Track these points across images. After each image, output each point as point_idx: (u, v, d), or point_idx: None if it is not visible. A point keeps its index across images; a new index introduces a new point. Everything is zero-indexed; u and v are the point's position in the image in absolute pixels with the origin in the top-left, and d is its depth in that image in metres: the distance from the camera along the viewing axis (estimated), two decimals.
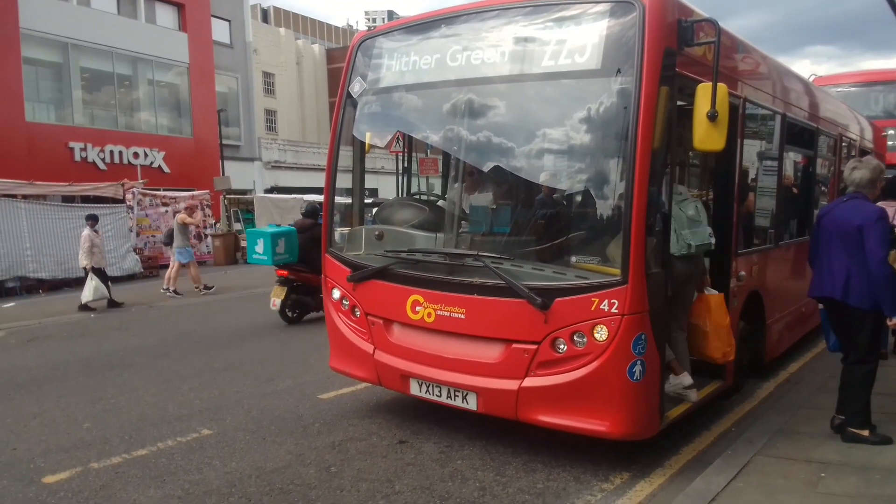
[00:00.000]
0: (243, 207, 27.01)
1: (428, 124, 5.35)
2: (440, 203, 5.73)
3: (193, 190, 22.39)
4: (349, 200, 5.91)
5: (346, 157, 5.61)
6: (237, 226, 25.50)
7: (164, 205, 20.48)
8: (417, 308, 4.82)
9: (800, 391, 6.14)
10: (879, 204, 5.92)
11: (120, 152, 23.62)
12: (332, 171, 5.59)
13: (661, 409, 4.50)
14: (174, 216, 13.22)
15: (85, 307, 12.10)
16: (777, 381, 6.64)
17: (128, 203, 18.65)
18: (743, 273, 5.74)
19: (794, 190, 7.82)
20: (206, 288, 14.37)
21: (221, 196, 24.12)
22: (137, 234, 18.94)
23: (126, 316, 11.75)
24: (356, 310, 5.30)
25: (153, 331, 10.17)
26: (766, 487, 4.04)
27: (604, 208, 4.43)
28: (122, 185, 18.91)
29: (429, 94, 5.14)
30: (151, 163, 24.51)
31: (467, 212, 5.25)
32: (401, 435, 5.23)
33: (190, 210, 14.95)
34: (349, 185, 5.80)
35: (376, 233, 5.49)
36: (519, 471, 4.55)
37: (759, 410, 5.70)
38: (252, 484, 4.45)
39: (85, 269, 12.14)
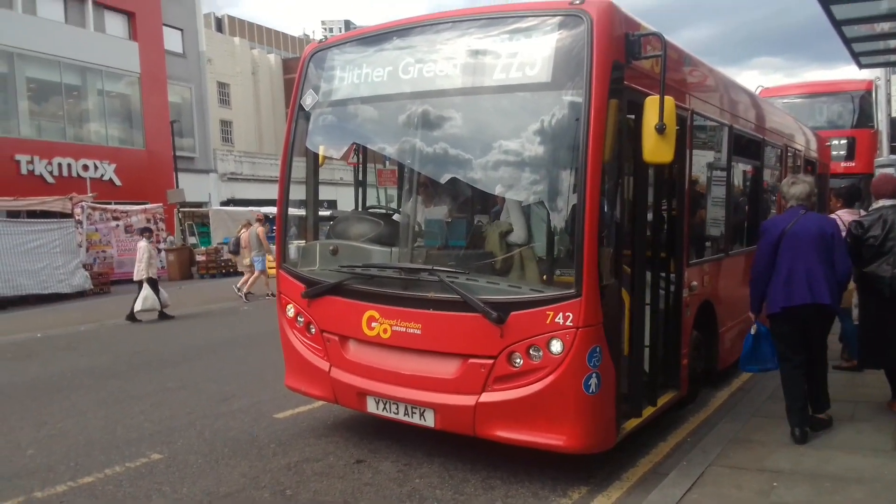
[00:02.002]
0: (198, 221, 26.56)
1: (381, 137, 5.32)
2: (395, 216, 5.70)
3: (146, 203, 21.92)
4: (303, 212, 5.84)
5: (299, 170, 5.54)
6: (192, 240, 25.04)
7: (115, 219, 19.99)
8: (373, 324, 4.76)
9: (752, 399, 6.25)
10: (841, 212, 6.14)
11: (69, 165, 23.00)
12: (284, 185, 5.51)
13: (618, 422, 4.51)
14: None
15: (134, 317, 12.43)
16: (730, 390, 6.77)
17: (76, 217, 18.13)
18: (695, 283, 5.81)
19: (743, 200, 7.98)
20: (271, 295, 14.43)
21: (175, 209, 23.65)
22: (87, 250, 18.39)
23: (74, 336, 11.37)
24: (311, 327, 5.22)
25: (104, 350, 9.87)
26: (721, 498, 4.09)
27: (557, 220, 4.44)
28: (70, 198, 18.40)
29: (382, 107, 5.11)
30: (102, 175, 23.91)
31: (422, 225, 5.23)
32: (358, 454, 5.16)
33: (260, 222, 15.40)
34: (303, 198, 5.73)
35: (331, 248, 5.40)
36: (477, 488, 4.52)
37: (713, 419, 5.78)
38: None
39: (141, 281, 12.50)
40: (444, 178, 4.82)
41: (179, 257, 21.20)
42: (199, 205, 28.35)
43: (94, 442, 5.67)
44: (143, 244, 12.79)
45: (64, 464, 5.18)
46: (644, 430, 5.20)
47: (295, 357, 5.40)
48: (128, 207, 20.95)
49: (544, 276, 4.44)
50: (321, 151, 5.48)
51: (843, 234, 5.39)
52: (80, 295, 16.57)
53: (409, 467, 4.88)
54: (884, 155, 15.43)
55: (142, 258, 12.53)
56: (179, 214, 24.12)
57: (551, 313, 4.13)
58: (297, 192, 5.62)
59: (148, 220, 20.76)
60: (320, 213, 6.02)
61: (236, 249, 16.52)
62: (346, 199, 7.44)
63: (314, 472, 4.86)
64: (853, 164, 14.74)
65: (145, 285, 12.48)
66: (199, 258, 22.04)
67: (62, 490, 4.69)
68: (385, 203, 6.61)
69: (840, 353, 7.30)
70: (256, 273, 15.26)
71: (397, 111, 4.93)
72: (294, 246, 5.82)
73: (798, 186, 5.11)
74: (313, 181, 5.65)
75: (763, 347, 5.28)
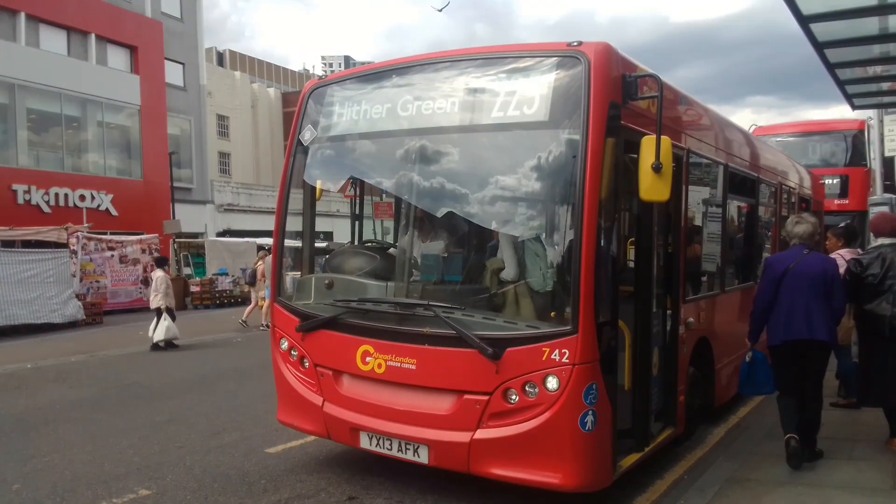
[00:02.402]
0: (194, 251, 26.50)
1: (378, 171, 5.34)
2: (392, 251, 5.69)
3: (142, 234, 21.90)
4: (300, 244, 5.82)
5: (296, 203, 5.54)
6: (187, 270, 24.98)
7: (111, 249, 19.95)
8: (368, 359, 4.71)
9: (749, 437, 6.20)
10: (842, 251, 6.16)
11: (66, 195, 23.02)
12: (281, 219, 5.52)
13: (615, 459, 4.46)
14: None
15: (157, 346, 12.62)
16: (727, 426, 6.71)
17: (71, 247, 18.08)
18: (691, 320, 5.79)
19: (738, 237, 8.02)
20: (265, 326, 14.63)
21: (171, 240, 23.63)
22: (80, 280, 18.31)
23: (65, 367, 11.25)
24: (305, 360, 5.17)
25: (93, 382, 9.75)
26: None
27: (554, 257, 4.44)
28: (66, 228, 18.36)
29: (380, 143, 5.15)
30: (98, 206, 23.94)
31: (418, 260, 5.22)
32: (350, 490, 5.07)
33: (262, 258, 15.99)
34: (300, 230, 5.72)
35: (326, 281, 5.38)
36: None
37: (710, 457, 5.72)
38: None
39: (159, 309, 12.74)
40: (440, 213, 4.82)
41: (174, 287, 21.01)
42: (195, 235, 28.34)
43: (81, 476, 5.56)
44: (160, 274, 13.07)
45: (50, 499, 5.07)
46: (640, 468, 5.13)
47: (288, 391, 5.34)
48: (123, 238, 20.92)
49: (541, 313, 4.41)
50: (318, 185, 5.50)
51: (843, 271, 5.46)
52: (73, 325, 16.45)
53: None
54: (877, 193, 15.54)
55: (158, 288, 12.81)
56: (175, 245, 24.08)
57: (547, 350, 4.10)
58: (294, 225, 5.62)
59: (143, 251, 20.72)
60: (316, 244, 6.01)
61: (252, 281, 16.81)
62: (342, 231, 7.45)
63: None
64: (847, 202, 14.85)
65: (165, 315, 12.70)
66: (194, 289, 21.96)
67: None
68: (381, 237, 6.61)
69: (837, 390, 7.27)
70: (261, 302, 15.43)
71: (395, 146, 4.96)
72: (289, 279, 5.80)
73: (802, 226, 5.32)
74: (310, 214, 5.66)
75: (759, 373, 5.49)
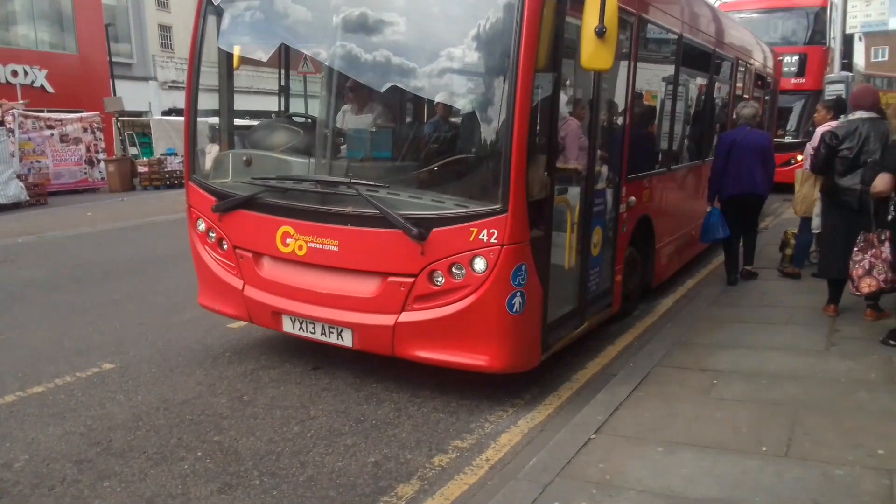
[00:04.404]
0: (139, 131, 25.43)
1: (300, 37, 4.91)
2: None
3: (82, 112, 20.79)
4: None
5: (211, 74, 5.14)
6: (133, 150, 24.05)
7: (50, 128, 18.97)
8: (288, 240, 4.52)
9: (696, 305, 6.50)
10: (832, 123, 6.48)
11: None
12: (192, 90, 5.12)
13: (544, 341, 4.41)
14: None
15: None
16: (675, 297, 7.01)
17: (8, 126, 17.13)
18: (633, 198, 5.68)
19: (689, 114, 7.81)
20: None
21: (114, 118, 22.56)
22: (20, 160, 17.51)
23: (12, 248, 10.95)
24: (223, 243, 4.95)
25: (43, 263, 9.55)
26: (664, 395, 4.30)
27: (486, 131, 4.20)
28: (0, 105, 17.30)
29: (302, 2, 4.74)
30: (32, 82, 22.57)
31: (344, 135, 4.93)
32: (314, 361, 5.19)
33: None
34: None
35: (244, 158, 5.07)
36: (433, 391, 4.63)
37: (659, 324, 6.00)
38: (160, 416, 4.32)
39: None
40: (368, 82, 4.52)
41: (120, 168, 20.35)
42: (140, 114, 27.12)
43: (41, 353, 5.55)
44: None
45: (11, 375, 5.07)
46: (592, 335, 5.37)
47: (207, 274, 5.15)
48: (62, 116, 19.85)
49: (469, 192, 4.13)
50: (235, 52, 5.08)
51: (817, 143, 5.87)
52: (16, 206, 15.89)
53: (365, 373, 4.95)
54: (835, 72, 15.58)
55: None
56: (118, 124, 23.03)
57: (475, 230, 3.93)
58: (209, 100, 5.23)
59: (85, 130, 19.79)
60: (238, 122, 5.60)
61: None
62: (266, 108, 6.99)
63: (271, 379, 4.89)
64: (803, 81, 14.92)
65: None
66: (142, 169, 21.21)
67: (11, 400, 4.61)
68: (306, 111, 6.28)
69: (780, 261, 7.62)
70: None
71: (319, 7, 4.59)
72: (207, 156, 5.41)
73: (747, 110, 7.01)
74: (227, 86, 5.22)
75: (713, 223, 7.03)
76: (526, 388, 4.67)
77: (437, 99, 4.63)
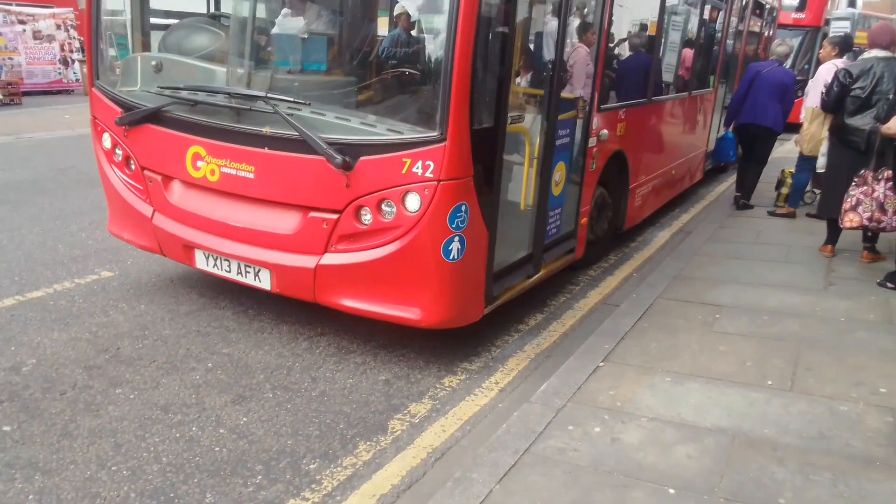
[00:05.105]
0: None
1: None
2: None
3: (53, 7, 19.70)
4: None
5: None
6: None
7: (21, 23, 18.00)
8: (199, 163, 3.97)
9: (693, 240, 6.55)
10: (836, 60, 6.63)
11: None
12: None
13: (489, 292, 3.90)
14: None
15: None
16: (672, 231, 7.06)
17: None
18: (605, 131, 5.10)
19: (677, 40, 7.27)
20: None
21: None
22: None
23: None
24: (131, 162, 4.39)
25: (26, 165, 9.22)
26: (668, 327, 4.37)
27: (431, 48, 3.70)
28: None
29: None
30: None
31: (270, 41, 4.40)
32: None
33: None
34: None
35: (153, 62, 4.43)
36: None
37: (657, 257, 6.05)
38: (166, 326, 4.29)
39: None
40: None
41: None
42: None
43: (36, 257, 5.44)
44: None
45: (7, 278, 4.97)
46: (591, 266, 5.38)
47: (115, 197, 4.60)
48: (34, 10, 18.80)
49: (406, 116, 3.58)
50: None
51: (830, 79, 5.68)
52: None
53: None
54: (840, 7, 15.30)
55: None
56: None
57: (408, 161, 3.35)
58: None
59: (58, 27, 18.83)
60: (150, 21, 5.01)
61: None
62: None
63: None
64: (803, 16, 14.66)
65: None
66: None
67: (11, 304, 4.54)
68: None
69: (775, 200, 7.67)
70: None
71: None
72: (110, 59, 4.85)
73: (782, 48, 7.54)
74: None
75: (727, 146, 8.15)
76: (530, 314, 4.72)
77: (397, 10, 4.16)
